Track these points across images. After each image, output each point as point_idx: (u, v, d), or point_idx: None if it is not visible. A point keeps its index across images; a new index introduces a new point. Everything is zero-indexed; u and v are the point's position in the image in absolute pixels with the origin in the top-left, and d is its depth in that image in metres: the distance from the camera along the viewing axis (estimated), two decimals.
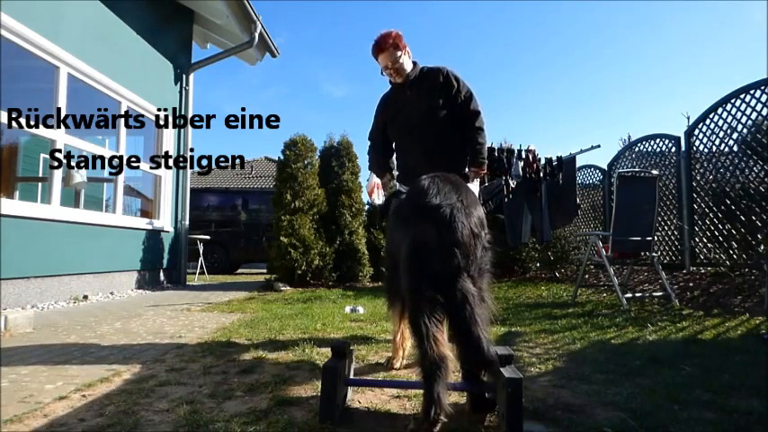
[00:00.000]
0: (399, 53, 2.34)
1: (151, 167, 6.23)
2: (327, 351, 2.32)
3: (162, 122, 6.40)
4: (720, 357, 2.27)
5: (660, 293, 4.22)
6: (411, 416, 1.45)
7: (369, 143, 2.75)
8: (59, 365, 2.15)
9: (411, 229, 1.50)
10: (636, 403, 1.61)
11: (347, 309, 4.09)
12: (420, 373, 1.31)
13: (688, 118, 5.40)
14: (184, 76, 6.99)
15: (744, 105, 4.43)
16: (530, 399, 1.63)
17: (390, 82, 2.51)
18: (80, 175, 5.55)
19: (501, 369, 1.37)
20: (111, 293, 5.19)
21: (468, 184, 1.91)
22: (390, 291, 2.04)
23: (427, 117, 2.38)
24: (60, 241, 4.49)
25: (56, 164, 4.49)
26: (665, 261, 5.32)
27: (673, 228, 5.34)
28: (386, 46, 2.33)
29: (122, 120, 5.59)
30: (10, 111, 3.98)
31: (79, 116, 4.84)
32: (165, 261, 6.50)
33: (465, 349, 1.36)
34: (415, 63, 2.46)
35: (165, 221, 6.50)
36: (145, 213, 7.07)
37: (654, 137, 5.73)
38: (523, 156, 5.65)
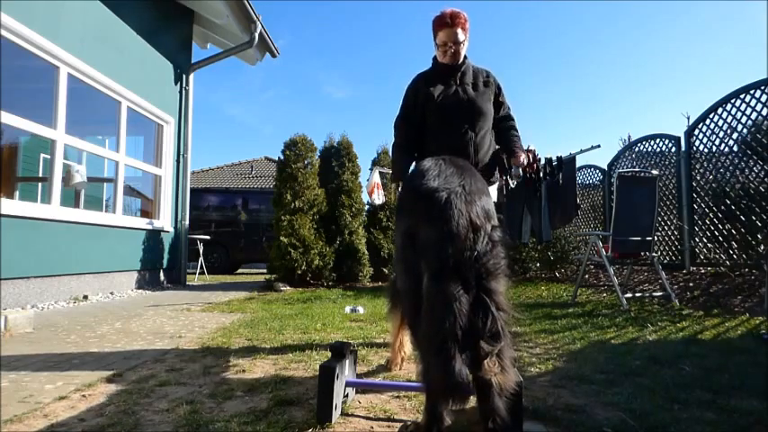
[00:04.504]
0: (464, 36, 2.24)
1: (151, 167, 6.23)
2: (327, 351, 2.31)
3: (162, 122, 6.40)
4: (720, 357, 2.27)
5: (660, 293, 4.22)
6: (411, 422, 1.44)
7: (395, 130, 2.43)
8: (59, 365, 2.15)
9: (403, 217, 1.33)
10: (636, 403, 1.61)
11: (347, 309, 4.09)
12: (422, 386, 1.27)
13: (688, 118, 5.37)
14: (184, 76, 6.98)
15: (744, 105, 4.42)
16: (530, 399, 1.63)
17: (434, 61, 2.38)
18: (80, 175, 5.54)
19: None
20: (111, 293, 5.19)
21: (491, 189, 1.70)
22: (392, 292, 1.99)
23: (478, 110, 2.29)
24: (60, 241, 4.49)
25: (56, 164, 4.49)
26: (665, 261, 5.32)
27: (673, 228, 5.34)
28: (457, 22, 2.20)
29: (122, 119, 5.59)
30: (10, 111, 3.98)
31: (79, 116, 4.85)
32: (164, 261, 6.50)
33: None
34: (465, 56, 2.35)
35: (165, 221, 6.50)
36: (145, 213, 7.07)
37: (654, 137, 5.73)
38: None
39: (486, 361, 1.12)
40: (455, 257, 1.16)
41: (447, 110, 2.28)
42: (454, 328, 1.09)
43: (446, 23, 2.20)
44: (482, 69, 2.40)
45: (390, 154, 2.51)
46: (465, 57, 2.33)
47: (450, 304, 1.11)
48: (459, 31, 2.22)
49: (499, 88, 2.41)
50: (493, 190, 2.50)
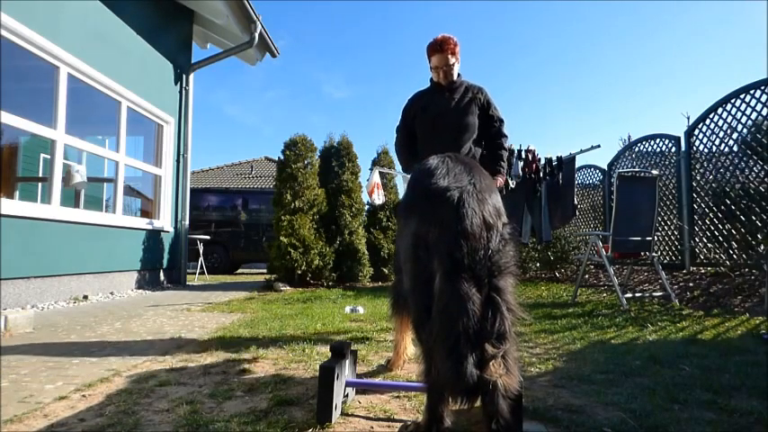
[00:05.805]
0: (453, 60, 2.46)
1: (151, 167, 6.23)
2: (327, 351, 2.31)
3: (162, 122, 6.40)
4: (720, 357, 2.27)
5: (660, 293, 4.22)
6: (411, 422, 1.44)
7: (396, 135, 2.75)
8: (59, 365, 2.15)
9: (413, 217, 1.30)
10: (636, 403, 1.61)
11: (347, 309, 4.09)
12: (423, 386, 1.27)
13: (688, 118, 5.41)
14: (184, 76, 6.98)
15: (744, 105, 4.43)
16: (530, 399, 1.63)
17: (431, 81, 2.61)
18: (80, 175, 5.54)
19: None
20: (111, 293, 5.18)
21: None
22: (394, 293, 1.98)
23: (460, 122, 2.48)
24: (60, 241, 4.48)
25: (56, 164, 4.49)
26: (665, 261, 5.32)
27: (673, 228, 5.34)
28: (445, 48, 2.43)
29: (122, 119, 5.59)
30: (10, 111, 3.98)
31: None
32: (164, 261, 6.50)
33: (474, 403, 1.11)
34: (459, 74, 2.58)
35: (165, 221, 6.50)
36: (145, 213, 7.07)
37: (654, 137, 5.73)
38: (523, 156, 5.65)
39: (492, 363, 1.12)
40: (470, 256, 1.16)
41: (434, 122, 2.52)
42: (467, 329, 1.09)
43: (437, 50, 2.46)
44: (474, 86, 2.60)
45: (394, 152, 2.80)
46: (459, 75, 2.56)
47: (464, 304, 1.11)
48: (449, 56, 2.46)
49: (488, 103, 2.60)
50: None
